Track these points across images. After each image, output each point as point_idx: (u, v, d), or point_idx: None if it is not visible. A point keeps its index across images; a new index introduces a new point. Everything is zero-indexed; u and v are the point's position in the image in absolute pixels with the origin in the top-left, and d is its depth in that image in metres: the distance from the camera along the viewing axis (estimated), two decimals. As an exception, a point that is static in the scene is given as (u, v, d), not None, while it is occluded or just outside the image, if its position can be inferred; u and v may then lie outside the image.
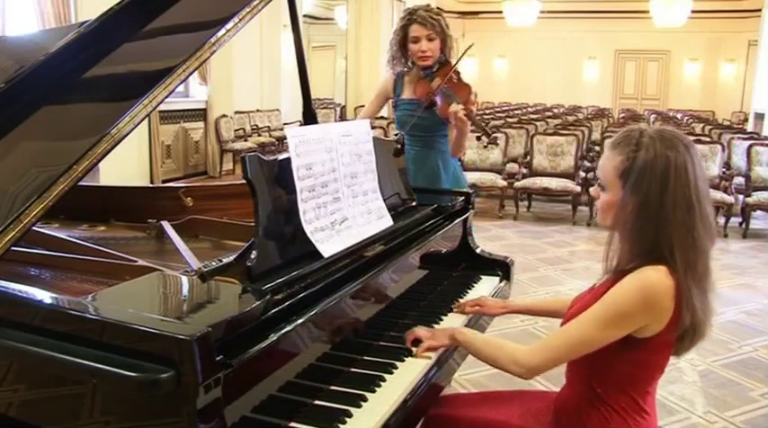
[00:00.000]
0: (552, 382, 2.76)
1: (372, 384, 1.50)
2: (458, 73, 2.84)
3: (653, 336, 1.41)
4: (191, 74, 1.58)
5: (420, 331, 1.70)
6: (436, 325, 1.90)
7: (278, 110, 11.21)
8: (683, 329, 1.40)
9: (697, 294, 1.38)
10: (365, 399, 1.44)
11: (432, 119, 2.83)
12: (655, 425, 1.55)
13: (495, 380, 3.08)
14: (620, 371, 1.46)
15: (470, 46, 2.91)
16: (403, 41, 2.86)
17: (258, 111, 10.83)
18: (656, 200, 1.37)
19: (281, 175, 1.58)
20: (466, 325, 1.96)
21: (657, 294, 1.36)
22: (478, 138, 2.97)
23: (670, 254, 1.37)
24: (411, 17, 2.82)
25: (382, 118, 11.57)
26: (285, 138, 1.66)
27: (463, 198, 2.47)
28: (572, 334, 1.44)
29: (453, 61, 2.90)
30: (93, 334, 1.15)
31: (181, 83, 1.55)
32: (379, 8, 13.96)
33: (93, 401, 1.14)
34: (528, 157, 7.67)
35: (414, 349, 1.66)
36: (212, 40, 1.59)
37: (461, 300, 2.09)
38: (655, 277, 1.37)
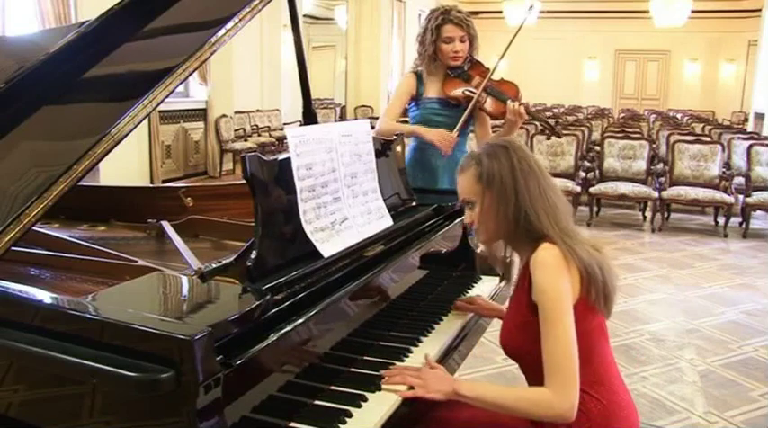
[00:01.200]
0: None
1: (372, 384, 1.50)
2: (491, 72, 2.90)
3: (576, 303, 1.50)
4: (191, 74, 1.58)
5: (408, 377, 1.52)
6: (436, 326, 1.90)
7: (278, 110, 11.21)
8: (584, 280, 1.50)
9: (575, 244, 1.52)
10: (365, 399, 1.44)
11: (460, 117, 2.87)
12: (627, 396, 1.60)
13: (494, 381, 3.08)
14: None
15: (524, 22, 2.93)
16: (436, 41, 2.87)
17: (258, 111, 10.83)
18: (509, 178, 1.56)
19: (281, 175, 1.58)
20: (465, 326, 1.96)
21: (558, 262, 1.49)
22: (542, 132, 3.10)
23: (537, 220, 1.54)
24: (446, 17, 2.85)
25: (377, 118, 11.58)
26: (285, 138, 1.66)
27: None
28: (561, 352, 1.45)
29: (478, 60, 2.96)
30: (93, 334, 1.14)
31: (181, 83, 1.55)
32: (379, 8, 13.97)
33: (93, 401, 1.14)
34: (528, 157, 7.65)
35: (389, 386, 1.50)
36: (212, 39, 1.59)
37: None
38: (544, 254, 1.50)
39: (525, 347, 1.53)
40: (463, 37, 2.86)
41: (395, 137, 2.34)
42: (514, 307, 1.63)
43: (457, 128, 2.83)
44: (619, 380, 1.62)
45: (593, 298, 1.52)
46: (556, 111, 14.22)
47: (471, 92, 2.84)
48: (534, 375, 1.53)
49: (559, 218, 1.56)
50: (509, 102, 2.76)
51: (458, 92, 2.88)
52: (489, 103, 2.85)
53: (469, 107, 2.84)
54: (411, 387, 1.50)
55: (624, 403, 1.58)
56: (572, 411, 1.43)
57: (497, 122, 3.06)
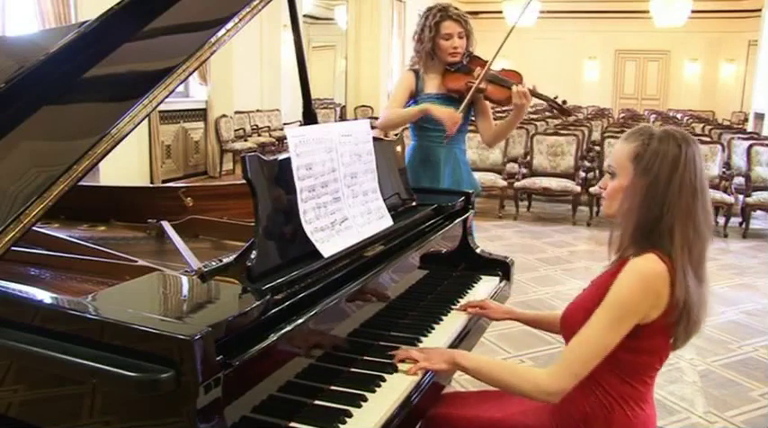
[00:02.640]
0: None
1: (372, 384, 1.50)
2: (491, 61, 2.92)
3: (650, 323, 1.44)
4: (191, 74, 1.58)
5: (413, 352, 1.62)
6: (436, 326, 1.90)
7: (278, 110, 11.20)
8: (678, 311, 1.42)
9: (691, 276, 1.43)
10: (365, 399, 1.44)
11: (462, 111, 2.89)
12: (653, 416, 1.57)
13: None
14: (621, 360, 1.46)
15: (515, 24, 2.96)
16: (434, 37, 2.89)
17: (258, 111, 10.82)
18: (665, 180, 1.43)
19: (281, 175, 1.58)
20: (465, 326, 1.96)
21: (653, 280, 1.41)
22: (551, 111, 3.13)
23: (669, 235, 1.43)
24: (444, 14, 2.87)
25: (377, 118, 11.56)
26: (285, 138, 1.66)
27: (463, 198, 2.47)
28: (588, 346, 1.44)
29: (476, 54, 2.99)
30: (93, 334, 1.15)
31: (181, 83, 1.55)
32: (379, 8, 13.96)
33: (93, 401, 1.14)
34: (528, 157, 7.67)
35: (400, 365, 1.59)
36: (212, 39, 1.59)
37: (462, 301, 2.10)
38: (647, 265, 1.42)
39: (578, 329, 1.47)
40: (461, 33, 2.89)
41: (395, 136, 2.34)
42: (593, 289, 1.56)
43: (460, 109, 2.85)
44: (651, 403, 1.57)
45: (680, 332, 1.46)
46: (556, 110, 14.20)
47: (473, 82, 2.86)
48: None
49: (694, 247, 1.44)
50: (513, 86, 2.77)
51: (459, 84, 2.90)
52: (493, 91, 2.88)
53: (470, 92, 2.85)
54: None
55: (649, 424, 1.56)
56: (555, 396, 1.44)
57: (497, 111, 3.07)
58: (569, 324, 1.57)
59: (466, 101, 2.86)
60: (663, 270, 1.41)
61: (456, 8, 2.92)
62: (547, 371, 1.46)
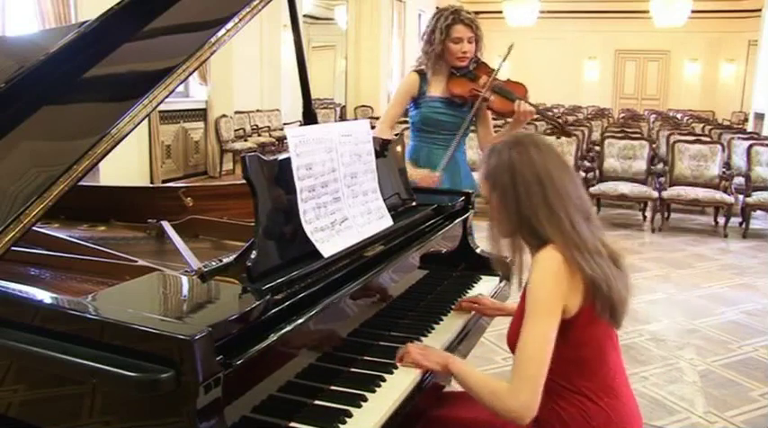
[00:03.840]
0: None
1: (372, 384, 1.50)
2: (497, 71, 2.93)
3: (578, 312, 1.48)
4: (191, 74, 1.58)
5: (412, 349, 1.64)
6: (436, 326, 1.90)
7: (278, 110, 11.21)
8: (589, 291, 1.47)
9: (581, 254, 1.47)
10: (365, 399, 1.44)
11: (463, 117, 2.90)
12: (633, 406, 1.59)
13: (495, 380, 3.08)
14: (571, 357, 1.49)
15: (511, 47, 2.99)
16: (444, 40, 2.87)
17: (258, 111, 10.83)
18: (510, 185, 1.53)
19: (281, 175, 1.58)
20: (465, 326, 1.97)
21: (556, 265, 1.46)
22: (551, 133, 3.12)
23: (540, 227, 1.51)
24: (456, 17, 2.85)
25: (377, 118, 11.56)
26: (285, 138, 1.66)
27: (463, 198, 2.47)
28: (529, 346, 1.45)
29: (483, 61, 2.99)
30: (93, 334, 1.15)
31: (181, 83, 1.55)
32: (379, 8, 13.96)
33: (93, 401, 1.14)
34: (528, 157, 7.65)
35: (399, 364, 1.61)
36: (212, 39, 1.59)
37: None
38: (543, 256, 1.49)
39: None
40: (471, 38, 2.87)
41: (395, 136, 2.34)
42: (520, 303, 1.61)
43: (441, 166, 2.87)
44: (626, 389, 1.59)
45: (599, 310, 1.49)
46: (556, 111, 14.21)
47: (478, 90, 2.85)
48: None
49: (564, 228, 1.49)
50: (517, 101, 2.78)
51: (464, 90, 2.88)
52: (497, 102, 2.87)
53: (476, 105, 2.85)
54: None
55: (629, 413, 1.57)
56: (521, 411, 1.42)
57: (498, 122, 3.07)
58: (511, 339, 1.58)
59: (465, 124, 2.87)
60: (560, 258, 1.47)
61: (468, 12, 2.90)
62: (506, 386, 1.45)
